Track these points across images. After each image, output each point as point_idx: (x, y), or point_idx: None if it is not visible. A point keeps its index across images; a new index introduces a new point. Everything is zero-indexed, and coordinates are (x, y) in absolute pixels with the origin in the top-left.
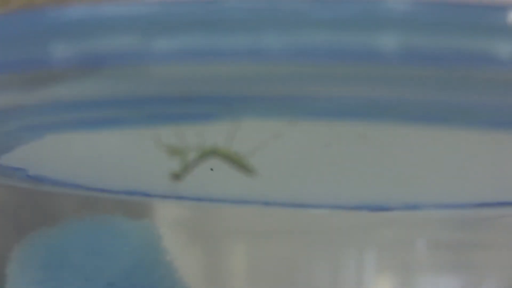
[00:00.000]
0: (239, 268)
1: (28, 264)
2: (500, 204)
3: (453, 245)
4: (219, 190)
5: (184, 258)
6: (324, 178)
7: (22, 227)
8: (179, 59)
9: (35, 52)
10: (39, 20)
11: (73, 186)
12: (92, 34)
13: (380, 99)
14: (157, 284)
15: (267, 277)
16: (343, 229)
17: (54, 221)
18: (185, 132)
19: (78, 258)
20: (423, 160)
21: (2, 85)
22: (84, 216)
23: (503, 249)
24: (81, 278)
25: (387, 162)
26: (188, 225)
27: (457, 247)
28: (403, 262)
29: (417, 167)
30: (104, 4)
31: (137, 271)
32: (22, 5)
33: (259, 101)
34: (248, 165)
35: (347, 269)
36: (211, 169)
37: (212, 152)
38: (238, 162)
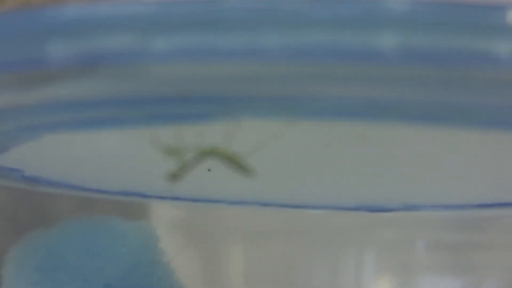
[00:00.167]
0: (237, 269)
1: (25, 265)
2: (500, 204)
3: (452, 245)
4: (217, 191)
5: (182, 259)
6: (323, 178)
7: (19, 228)
8: (178, 59)
9: (32, 52)
10: (36, 19)
11: (70, 187)
12: (89, 33)
13: (380, 99)
14: (154, 285)
15: (266, 278)
16: (343, 229)
17: (51, 222)
18: (183, 132)
19: (75, 259)
20: (423, 161)
21: None
22: (81, 217)
23: (503, 250)
24: (78, 279)
25: (387, 162)
26: (186, 226)
27: (456, 247)
28: (402, 262)
29: (417, 168)
30: (102, 4)
31: (135, 272)
32: (19, 4)
33: (258, 101)
34: (246, 165)
35: (346, 270)
36: (209, 170)
37: (210, 153)
38: (236, 163)
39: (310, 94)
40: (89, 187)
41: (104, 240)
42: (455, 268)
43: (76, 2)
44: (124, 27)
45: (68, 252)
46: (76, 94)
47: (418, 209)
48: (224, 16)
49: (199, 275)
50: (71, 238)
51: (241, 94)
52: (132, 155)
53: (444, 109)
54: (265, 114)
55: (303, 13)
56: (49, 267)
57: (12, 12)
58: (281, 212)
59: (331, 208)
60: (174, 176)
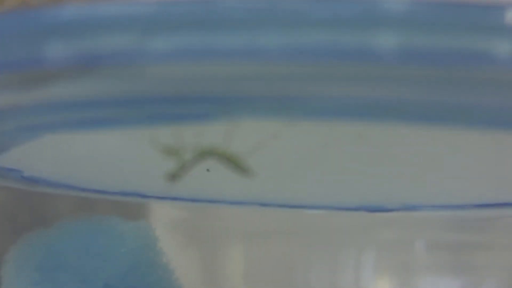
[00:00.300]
0: (236, 270)
1: (24, 265)
2: (499, 205)
3: (452, 246)
4: (216, 191)
5: (181, 259)
6: (323, 178)
7: (19, 228)
8: (177, 59)
9: (31, 52)
10: (36, 19)
11: (69, 187)
12: (89, 33)
13: (380, 99)
14: (153, 285)
15: (265, 278)
16: (342, 229)
17: (51, 222)
18: (183, 132)
19: (75, 259)
20: (422, 161)
21: None
22: (80, 217)
23: (503, 250)
24: (77, 280)
25: (387, 163)
26: (185, 226)
27: (456, 248)
28: (402, 262)
29: (416, 168)
30: (101, 4)
31: (134, 272)
32: (18, 4)
33: (257, 101)
34: (245, 165)
35: (345, 270)
36: (208, 170)
37: (209, 153)
38: (235, 163)
39: (310, 94)
40: (88, 187)
41: (103, 240)
42: (455, 268)
43: (75, 2)
44: (123, 27)
45: (67, 252)
46: (75, 94)
47: (417, 209)
48: (224, 16)
49: (199, 275)
50: (71, 238)
51: (240, 94)
52: (132, 155)
53: (444, 109)
54: (265, 114)
55: (302, 13)
56: (49, 267)
57: (11, 12)
58: (281, 212)
59: (330, 208)
60: (174, 176)
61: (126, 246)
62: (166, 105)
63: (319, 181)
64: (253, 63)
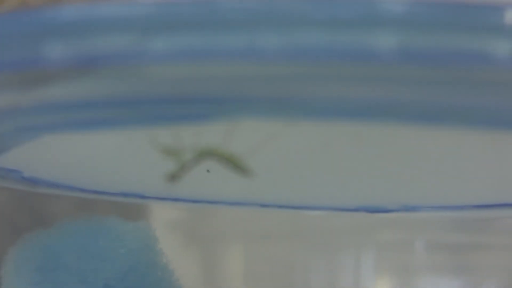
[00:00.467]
0: (236, 270)
1: (23, 266)
2: (499, 205)
3: (452, 246)
4: (216, 192)
5: (181, 260)
6: (322, 179)
7: (17, 229)
8: (176, 59)
9: (31, 52)
10: (35, 20)
11: (68, 188)
12: (88, 34)
13: (379, 99)
14: (153, 286)
15: (264, 279)
16: (342, 230)
17: (50, 222)
18: (182, 133)
19: (74, 260)
20: (422, 161)
21: None
22: (80, 217)
23: (503, 251)
24: (77, 280)
25: (386, 163)
26: (185, 226)
27: (456, 248)
28: (402, 263)
29: (416, 168)
30: (101, 4)
31: (133, 273)
32: (18, 4)
33: (257, 102)
34: (245, 166)
35: (345, 271)
36: (208, 171)
37: (208, 153)
38: (235, 163)
39: (310, 94)
40: (88, 188)
41: (103, 241)
42: (455, 268)
43: (75, 2)
44: (123, 27)
45: (67, 253)
46: (75, 94)
47: (417, 210)
48: (223, 16)
49: (198, 276)
50: (70, 239)
51: (240, 94)
52: (131, 155)
53: (444, 109)
54: (264, 114)
55: (302, 13)
56: (48, 268)
57: (11, 12)
58: (281, 214)
59: (330, 209)
60: (173, 177)
61: (126, 246)
62: (165, 105)
63: (319, 181)
64: (253, 63)
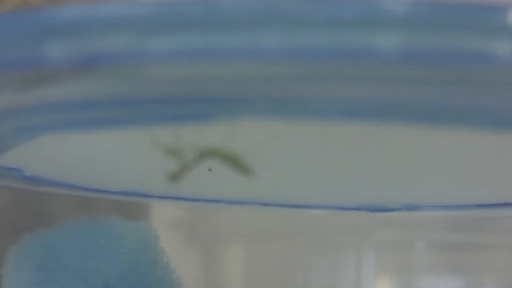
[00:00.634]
0: (236, 270)
1: (24, 265)
2: (500, 205)
3: (452, 246)
4: (217, 191)
5: (182, 259)
6: (323, 178)
7: (18, 228)
8: (177, 59)
9: (31, 52)
10: (35, 20)
11: (69, 187)
12: (88, 34)
13: (380, 99)
14: (154, 285)
15: (265, 278)
16: (342, 230)
17: (51, 222)
18: (183, 133)
19: (74, 259)
20: (423, 161)
21: None
22: (81, 217)
23: (503, 250)
24: (77, 280)
25: (387, 163)
26: (186, 226)
27: (456, 248)
28: (402, 263)
29: (417, 168)
30: (100, 4)
31: (134, 272)
32: (18, 4)
33: (257, 102)
34: (246, 165)
35: (346, 271)
36: (209, 170)
37: (210, 153)
38: (236, 163)
39: (310, 94)
40: (89, 187)
41: (103, 240)
42: (455, 268)
43: (75, 2)
44: (123, 27)
45: (67, 252)
46: (75, 94)
47: (418, 209)
48: (223, 16)
49: (199, 275)
50: (71, 238)
51: (240, 94)
52: (132, 155)
53: (444, 109)
54: (265, 114)
55: (302, 13)
56: (49, 267)
57: (11, 12)
58: (281, 213)
59: (331, 208)
60: (174, 176)
61: (127, 246)
62: (166, 105)
63: (319, 181)
64: (253, 63)
